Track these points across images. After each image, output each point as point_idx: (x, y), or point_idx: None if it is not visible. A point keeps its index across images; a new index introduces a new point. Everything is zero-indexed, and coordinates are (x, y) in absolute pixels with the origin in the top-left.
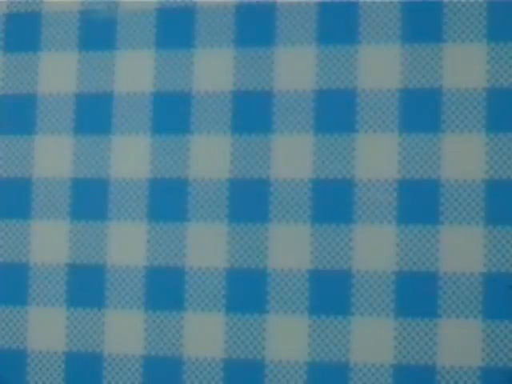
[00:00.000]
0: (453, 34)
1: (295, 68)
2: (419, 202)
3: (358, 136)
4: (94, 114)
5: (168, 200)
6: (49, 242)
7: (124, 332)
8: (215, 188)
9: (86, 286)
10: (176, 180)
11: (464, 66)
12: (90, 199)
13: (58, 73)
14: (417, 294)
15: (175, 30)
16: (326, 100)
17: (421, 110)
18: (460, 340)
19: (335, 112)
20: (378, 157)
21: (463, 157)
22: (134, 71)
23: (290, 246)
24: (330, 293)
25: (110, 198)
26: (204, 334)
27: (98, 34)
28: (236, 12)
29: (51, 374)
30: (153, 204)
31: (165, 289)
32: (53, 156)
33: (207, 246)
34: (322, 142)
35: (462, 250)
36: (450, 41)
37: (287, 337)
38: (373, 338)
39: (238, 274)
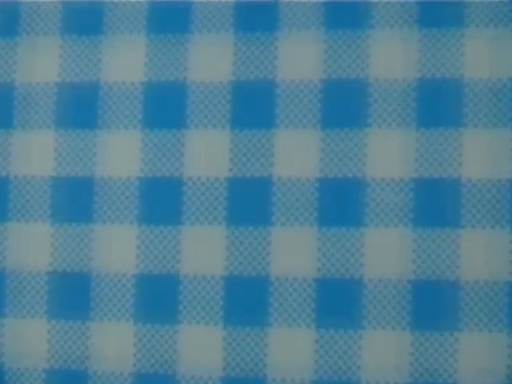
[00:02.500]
0: (475, 18)
1: (301, 55)
2: (438, 203)
3: (370, 131)
4: (78, 107)
5: (161, 201)
6: (28, 247)
7: (111, 347)
8: (213, 188)
9: (69, 296)
10: (169, 179)
11: (487, 54)
12: (73, 200)
13: (38, 61)
14: (435, 305)
15: (169, 14)
16: (334, 91)
17: (440, 102)
18: (483, 356)
19: (345, 104)
20: (392, 153)
21: (486, 154)
22: (123, 59)
23: (295, 252)
24: (339, 304)
25: (95, 199)
26: (200, 349)
27: (82, 17)
28: None
29: None
30: (144, 205)
31: (157, 299)
32: (33, 152)
33: (204, 252)
34: (331, 138)
35: (485, 256)
36: (472, 26)
37: (291, 353)
38: (387, 355)
39: (238, 283)
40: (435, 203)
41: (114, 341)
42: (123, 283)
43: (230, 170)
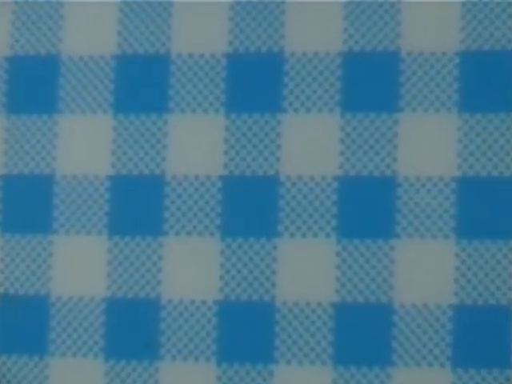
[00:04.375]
0: None
1: (315, 22)
2: (486, 208)
3: (401, 117)
4: (33, 87)
5: (137, 206)
6: None
7: None
8: (203, 189)
9: (23, 325)
10: (148, 178)
11: None
12: (27, 204)
13: None
14: (482, 336)
15: None
16: (357, 67)
17: (488, 81)
18: None
19: (370, 83)
20: (429, 146)
21: None
22: (90, 25)
23: (308, 270)
24: (363, 335)
25: (56, 203)
26: None
27: None
28: None
29: None
30: (116, 211)
31: (133, 329)
32: None
33: (192, 270)
34: (352, 126)
35: None
36: None
37: None
38: None
39: (235, 309)
40: (483, 209)
41: (79, 381)
42: (91, 309)
43: (226, 166)
